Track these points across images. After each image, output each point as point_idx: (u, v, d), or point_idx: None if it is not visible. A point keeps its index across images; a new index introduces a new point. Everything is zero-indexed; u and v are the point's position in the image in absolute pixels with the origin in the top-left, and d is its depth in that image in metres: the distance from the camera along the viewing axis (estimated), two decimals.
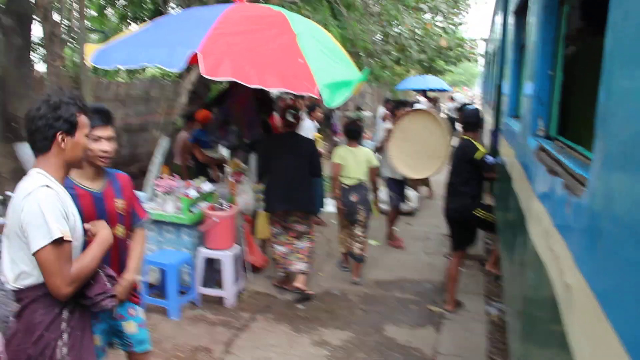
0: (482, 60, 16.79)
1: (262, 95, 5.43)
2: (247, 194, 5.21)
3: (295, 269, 4.89)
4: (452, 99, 17.95)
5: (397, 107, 6.98)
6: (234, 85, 4.86)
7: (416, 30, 9.86)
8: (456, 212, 4.53)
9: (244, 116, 5.25)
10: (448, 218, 4.64)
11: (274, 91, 6.42)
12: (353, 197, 5.19)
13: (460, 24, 11.24)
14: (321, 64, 4.18)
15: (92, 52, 4.19)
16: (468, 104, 9.22)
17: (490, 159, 4.37)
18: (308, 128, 7.42)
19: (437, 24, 11.11)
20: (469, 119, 4.64)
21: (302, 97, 6.86)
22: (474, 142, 4.46)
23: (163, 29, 4.51)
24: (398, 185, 6.62)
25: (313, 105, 7.63)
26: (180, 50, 3.74)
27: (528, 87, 3.12)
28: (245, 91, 5.06)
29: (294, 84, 3.89)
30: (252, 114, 5.29)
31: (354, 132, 5.44)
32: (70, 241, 1.93)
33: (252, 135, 5.27)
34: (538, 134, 2.83)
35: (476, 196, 4.50)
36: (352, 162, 5.24)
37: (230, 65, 3.74)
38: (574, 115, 2.96)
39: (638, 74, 1.06)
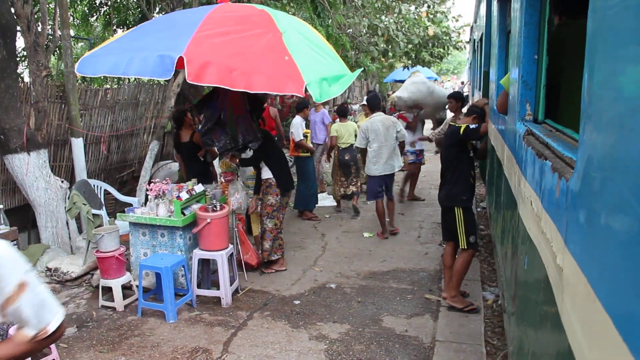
0: (468, 47, 16.82)
1: (252, 95, 5.40)
2: (240, 194, 5.19)
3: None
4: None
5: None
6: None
7: (401, 19, 9.82)
8: (442, 200, 4.58)
9: (235, 115, 5.20)
10: (440, 205, 4.67)
11: None
12: (347, 156, 7.76)
13: (448, 14, 11.26)
14: (309, 61, 4.15)
15: (78, 61, 4.14)
16: (458, 92, 9.20)
17: (472, 126, 4.36)
18: (298, 124, 7.43)
19: (425, 11, 11.09)
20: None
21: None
22: (455, 124, 4.51)
23: (147, 33, 4.45)
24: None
25: (304, 102, 7.63)
26: (166, 58, 3.71)
27: (514, 72, 3.12)
28: (234, 91, 5.03)
29: (281, 85, 3.86)
30: (244, 114, 5.24)
31: (343, 111, 8.14)
32: None
33: (246, 137, 5.23)
34: (526, 118, 2.83)
35: (464, 188, 4.44)
36: (344, 132, 7.77)
37: (215, 70, 3.70)
38: (561, 98, 2.97)
39: (620, 54, 1.05)
